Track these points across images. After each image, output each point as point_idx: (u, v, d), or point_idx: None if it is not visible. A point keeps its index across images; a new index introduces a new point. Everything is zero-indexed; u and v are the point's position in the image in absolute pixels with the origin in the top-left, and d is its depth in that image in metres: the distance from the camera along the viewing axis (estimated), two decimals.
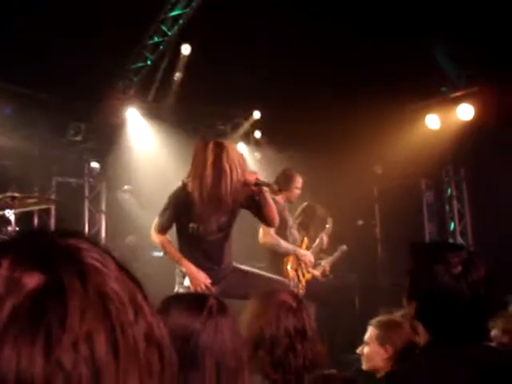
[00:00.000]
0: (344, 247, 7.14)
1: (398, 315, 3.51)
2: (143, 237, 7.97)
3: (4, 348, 0.59)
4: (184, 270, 4.43)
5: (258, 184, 4.39)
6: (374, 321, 3.52)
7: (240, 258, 5.01)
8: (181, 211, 4.38)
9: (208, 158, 4.19)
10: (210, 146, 4.26)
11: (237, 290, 4.46)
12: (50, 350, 0.60)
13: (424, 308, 2.09)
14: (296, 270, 6.19)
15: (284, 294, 2.63)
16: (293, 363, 2.41)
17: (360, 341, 3.57)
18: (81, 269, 0.66)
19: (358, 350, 3.55)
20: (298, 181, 6.40)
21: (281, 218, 6.11)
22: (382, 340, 3.40)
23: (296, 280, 6.13)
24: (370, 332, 3.47)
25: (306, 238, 6.60)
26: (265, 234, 5.90)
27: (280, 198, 6.25)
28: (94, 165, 9.03)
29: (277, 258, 6.06)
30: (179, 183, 4.50)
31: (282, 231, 6.07)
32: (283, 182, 6.20)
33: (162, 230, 4.49)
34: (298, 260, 6.21)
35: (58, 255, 0.67)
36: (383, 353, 3.37)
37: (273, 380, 2.36)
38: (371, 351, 3.44)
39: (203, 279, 4.38)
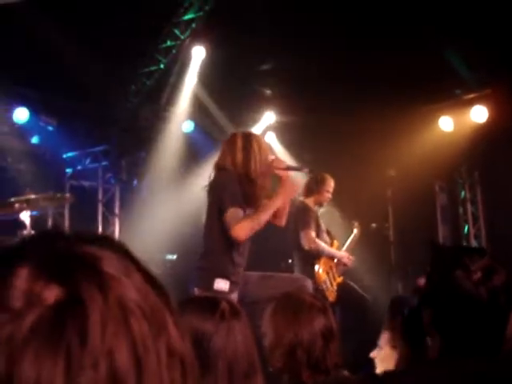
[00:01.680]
0: (355, 224, 7.06)
1: None
2: (155, 240, 8.00)
3: (24, 365, 0.58)
4: (276, 201, 4.28)
5: (290, 168, 4.57)
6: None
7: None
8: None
9: (236, 145, 4.35)
10: (235, 134, 4.49)
11: (253, 292, 4.44)
12: (71, 369, 0.58)
13: (441, 315, 2.07)
14: (327, 274, 6.20)
15: (307, 295, 2.64)
16: (329, 363, 2.42)
17: (373, 344, 3.55)
18: (101, 280, 0.64)
19: (372, 354, 3.53)
20: (330, 184, 6.38)
21: (316, 223, 6.18)
22: (394, 343, 3.38)
23: (328, 284, 6.15)
24: (384, 335, 3.46)
25: (335, 241, 6.59)
26: (309, 240, 6.04)
27: (311, 203, 6.27)
28: None
29: (307, 262, 6.10)
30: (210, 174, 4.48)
31: (318, 236, 6.19)
32: (314, 185, 6.21)
33: (240, 216, 4.16)
34: (329, 263, 6.24)
35: (76, 265, 0.64)
36: (396, 356, 3.34)
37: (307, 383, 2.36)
38: (384, 354, 3.43)
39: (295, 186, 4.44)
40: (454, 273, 2.03)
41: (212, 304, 1.84)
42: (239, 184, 4.29)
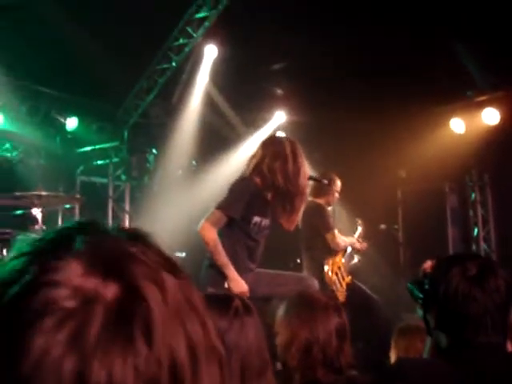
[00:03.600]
0: (359, 221, 7.11)
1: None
2: (165, 237, 8.00)
3: (96, 361, 0.57)
4: (228, 274, 4.24)
5: (312, 178, 4.76)
6: (397, 326, 3.53)
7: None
8: (251, 204, 4.31)
9: (288, 154, 4.34)
10: (286, 142, 4.47)
11: (262, 290, 4.46)
12: (138, 365, 0.58)
13: (441, 313, 2.08)
14: (336, 274, 6.23)
15: (320, 294, 2.66)
16: (342, 362, 2.44)
17: (381, 344, 3.57)
18: (155, 276, 0.63)
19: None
20: (338, 184, 6.49)
21: (330, 222, 6.27)
22: (395, 345, 3.41)
23: (338, 284, 6.17)
24: (393, 337, 3.48)
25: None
26: (338, 242, 6.25)
27: (322, 202, 6.33)
28: None
29: (316, 263, 6.14)
30: (239, 175, 4.50)
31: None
32: (324, 186, 6.24)
33: (220, 224, 4.26)
34: (337, 264, 6.28)
35: (127, 261, 0.63)
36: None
37: (321, 381, 2.37)
38: (392, 356, 3.45)
39: (245, 288, 4.27)
40: (450, 271, 2.04)
41: (225, 301, 1.85)
42: (258, 194, 4.33)
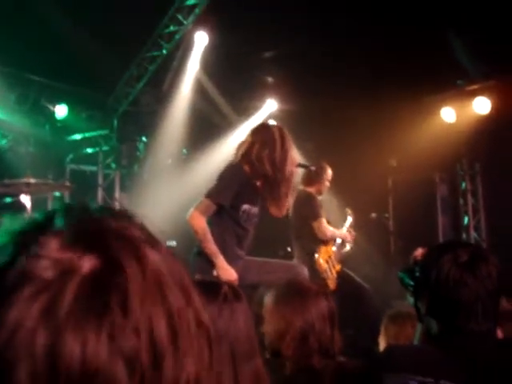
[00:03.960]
0: (349, 211, 7.11)
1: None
2: (155, 225, 7.99)
3: (68, 335, 0.57)
4: (216, 262, 4.23)
5: (300, 165, 4.75)
6: (388, 312, 3.54)
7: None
8: (239, 191, 4.30)
9: (276, 141, 4.34)
10: (274, 129, 4.47)
11: (251, 277, 4.46)
12: (114, 337, 0.58)
13: (432, 300, 2.08)
14: (327, 262, 6.24)
15: (307, 281, 2.66)
16: (336, 349, 2.44)
17: (371, 332, 3.57)
18: (135, 249, 0.64)
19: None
20: (329, 173, 6.50)
21: (318, 211, 6.26)
22: (385, 331, 3.42)
23: (329, 272, 6.19)
24: (383, 323, 3.49)
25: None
26: (325, 230, 6.20)
27: (313, 190, 6.33)
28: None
29: (307, 251, 6.15)
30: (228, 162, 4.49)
31: None
32: (314, 175, 6.23)
33: (209, 212, 4.24)
34: (328, 252, 6.29)
35: (108, 235, 0.64)
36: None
37: (316, 367, 2.37)
38: (381, 340, 3.47)
39: (234, 276, 4.26)
40: (441, 258, 2.05)
41: (214, 287, 1.84)
42: (247, 181, 4.33)
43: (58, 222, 0.66)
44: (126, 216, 0.70)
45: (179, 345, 0.62)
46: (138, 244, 0.65)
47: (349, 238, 6.58)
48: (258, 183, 4.42)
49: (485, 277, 2.03)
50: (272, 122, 9.33)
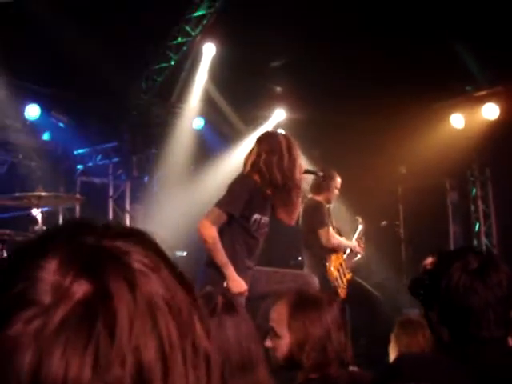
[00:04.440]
0: (359, 220, 7.07)
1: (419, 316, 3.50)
2: (165, 236, 8.00)
3: (54, 356, 0.57)
4: (227, 273, 4.19)
5: (308, 171, 4.77)
6: (398, 321, 3.53)
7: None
8: (251, 201, 4.29)
9: (283, 149, 4.34)
10: (280, 136, 4.50)
11: (261, 288, 4.45)
12: (98, 366, 0.58)
13: (443, 308, 2.08)
14: (338, 271, 6.22)
15: (318, 290, 2.66)
16: (349, 356, 2.44)
17: (383, 340, 3.56)
18: (129, 275, 0.63)
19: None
20: (338, 181, 6.42)
21: (329, 219, 6.23)
22: (396, 340, 3.41)
23: (339, 280, 6.17)
24: (394, 331, 3.48)
25: (343, 238, 6.61)
26: (330, 238, 6.12)
27: (322, 200, 6.29)
28: None
29: (318, 260, 6.13)
30: (237, 173, 4.49)
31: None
32: (323, 183, 6.21)
33: (220, 222, 4.22)
34: (339, 260, 6.27)
35: (105, 259, 0.63)
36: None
37: (332, 377, 2.37)
38: (392, 349, 3.46)
39: (244, 287, 4.23)
40: (452, 265, 2.04)
41: (206, 299, 1.84)
42: (257, 191, 4.33)
43: (57, 243, 0.65)
44: (131, 235, 0.69)
45: (169, 374, 0.61)
46: (134, 270, 0.63)
47: (358, 248, 6.53)
48: (269, 192, 4.42)
49: (495, 284, 2.02)
50: (279, 131, 9.39)
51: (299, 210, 4.69)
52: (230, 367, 1.72)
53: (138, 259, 0.65)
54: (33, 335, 0.58)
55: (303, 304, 2.52)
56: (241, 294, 4.16)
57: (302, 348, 2.41)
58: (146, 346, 0.60)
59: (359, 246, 6.58)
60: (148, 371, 0.60)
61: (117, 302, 0.60)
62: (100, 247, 0.65)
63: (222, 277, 4.20)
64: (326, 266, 6.12)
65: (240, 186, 4.32)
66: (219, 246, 4.22)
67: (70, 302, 0.59)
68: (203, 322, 0.68)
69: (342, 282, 6.23)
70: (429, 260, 2.36)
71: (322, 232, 6.11)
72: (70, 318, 0.59)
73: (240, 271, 4.28)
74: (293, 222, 4.67)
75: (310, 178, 5.47)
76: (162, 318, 0.63)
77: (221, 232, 4.28)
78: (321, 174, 5.28)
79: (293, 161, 4.37)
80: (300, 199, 4.60)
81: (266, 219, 4.44)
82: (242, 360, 1.76)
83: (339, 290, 6.11)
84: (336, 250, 6.29)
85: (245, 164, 4.45)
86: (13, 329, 0.58)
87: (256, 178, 4.37)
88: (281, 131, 9.18)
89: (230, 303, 1.84)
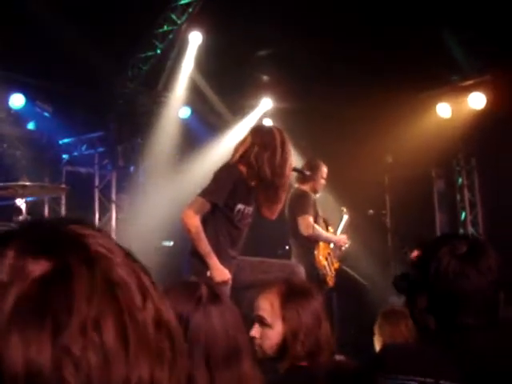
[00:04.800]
0: (344, 210, 7.06)
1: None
2: (152, 226, 7.98)
3: (11, 337, 0.57)
4: (210, 262, 4.19)
5: (296, 170, 4.83)
6: (381, 310, 3.54)
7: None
8: (235, 191, 4.30)
9: (277, 145, 4.33)
10: (276, 132, 4.45)
11: (245, 277, 4.45)
12: (58, 336, 0.58)
13: (432, 294, 2.06)
14: (326, 259, 6.22)
15: (304, 280, 2.68)
16: (333, 345, 2.47)
17: (369, 329, 3.58)
18: (87, 255, 0.65)
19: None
20: (324, 170, 6.42)
21: (314, 210, 6.21)
22: (379, 330, 3.42)
23: (328, 269, 6.17)
24: (377, 321, 3.49)
25: (330, 228, 6.59)
26: (308, 227, 6.01)
27: (307, 189, 6.28)
28: None
29: (305, 249, 6.11)
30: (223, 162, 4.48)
31: (316, 222, 6.20)
32: (309, 172, 6.21)
33: (203, 211, 4.23)
34: (327, 249, 6.26)
35: (63, 241, 0.66)
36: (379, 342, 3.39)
37: (321, 365, 2.39)
38: (376, 339, 3.47)
39: (227, 276, 4.23)
40: (440, 250, 2.03)
41: (190, 289, 1.82)
42: (242, 181, 4.33)
43: (18, 233, 0.68)
44: (89, 225, 0.71)
45: (130, 345, 0.62)
46: (92, 250, 0.65)
47: (341, 242, 6.45)
48: (253, 184, 4.41)
49: (486, 269, 2.00)
50: (269, 122, 9.37)
51: (281, 205, 4.68)
52: (216, 358, 1.71)
53: (94, 241, 0.67)
54: None
55: (294, 293, 2.53)
56: (224, 282, 4.17)
57: (295, 336, 2.43)
58: (105, 317, 0.62)
59: (344, 241, 6.49)
60: (108, 340, 0.61)
61: (75, 279, 0.62)
62: (57, 231, 0.67)
63: (206, 266, 4.20)
64: (314, 254, 6.11)
65: (225, 175, 4.32)
66: (202, 235, 4.21)
67: (26, 281, 0.61)
68: (163, 300, 0.70)
69: (331, 270, 6.24)
70: (415, 253, 2.36)
71: (300, 219, 6.04)
72: (25, 296, 0.60)
73: (223, 260, 4.28)
74: (274, 217, 4.67)
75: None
76: (120, 292, 0.64)
77: (204, 221, 4.27)
78: (308, 173, 5.33)
79: (284, 159, 4.37)
80: (285, 196, 4.62)
81: (249, 209, 4.43)
82: (229, 350, 1.75)
83: (327, 279, 6.12)
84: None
85: (234, 153, 4.43)
86: None
87: (242, 168, 4.36)
88: (269, 121, 9.19)
89: (214, 292, 1.83)
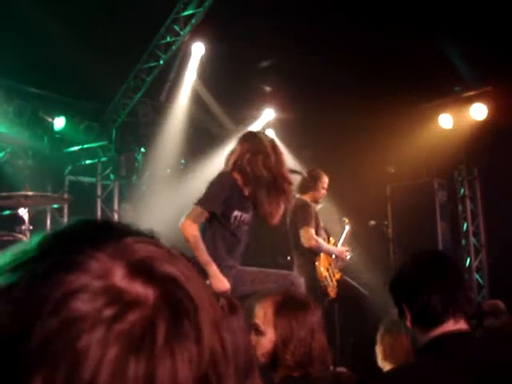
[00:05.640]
0: (346, 221, 7.05)
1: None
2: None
3: (160, 365, 0.58)
4: (209, 271, 4.19)
5: (292, 171, 4.78)
6: (383, 321, 3.54)
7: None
8: (231, 198, 4.32)
9: (268, 147, 4.38)
10: (263, 136, 4.53)
11: (244, 287, 4.45)
12: (192, 363, 0.60)
13: (410, 309, 2.12)
14: (327, 270, 6.21)
15: (302, 291, 2.67)
16: (330, 358, 2.46)
17: (371, 340, 3.57)
18: (180, 282, 0.64)
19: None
20: (324, 180, 6.40)
21: (315, 220, 6.19)
22: (381, 341, 3.42)
23: (329, 280, 6.15)
24: (379, 332, 3.49)
25: (331, 238, 6.58)
26: (310, 238, 6.02)
27: (308, 200, 6.27)
28: None
29: (307, 260, 6.10)
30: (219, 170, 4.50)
31: (317, 233, 6.19)
32: (310, 182, 6.21)
33: (201, 220, 4.26)
34: (328, 260, 6.25)
35: (159, 265, 0.64)
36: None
37: (313, 376, 2.38)
38: (378, 350, 3.46)
39: (226, 286, 4.23)
40: (405, 267, 2.24)
41: None
42: (236, 188, 4.35)
43: (109, 245, 0.64)
44: (151, 237, 0.70)
45: (226, 372, 0.65)
46: (180, 278, 0.64)
47: (342, 255, 6.43)
48: (248, 191, 4.42)
49: (453, 275, 2.06)
50: (271, 132, 9.38)
51: (282, 209, 4.67)
52: (238, 371, 1.70)
53: (179, 268, 0.66)
54: (132, 346, 0.58)
55: (290, 303, 2.54)
56: (224, 292, 4.16)
57: (286, 345, 2.43)
58: (216, 348, 0.64)
59: (345, 253, 6.49)
60: (218, 369, 0.64)
61: (195, 303, 0.63)
62: (151, 251, 0.65)
63: (205, 275, 4.20)
64: (315, 265, 6.11)
65: (219, 184, 4.35)
66: (201, 244, 4.23)
67: (145, 308, 0.60)
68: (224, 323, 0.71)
69: (332, 281, 6.22)
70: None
71: (302, 231, 6.06)
72: (168, 322, 0.60)
73: (221, 269, 4.28)
74: (275, 222, 4.66)
75: (296, 178, 5.47)
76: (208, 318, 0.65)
77: (202, 230, 4.30)
78: (304, 174, 5.32)
79: (279, 160, 4.40)
80: (288, 198, 4.60)
81: (246, 216, 4.44)
82: (247, 363, 1.73)
83: (329, 290, 6.11)
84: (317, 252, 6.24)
85: (226, 162, 4.47)
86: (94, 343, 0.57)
87: (236, 176, 4.39)
88: (269, 131, 9.20)
89: (233, 304, 1.82)
